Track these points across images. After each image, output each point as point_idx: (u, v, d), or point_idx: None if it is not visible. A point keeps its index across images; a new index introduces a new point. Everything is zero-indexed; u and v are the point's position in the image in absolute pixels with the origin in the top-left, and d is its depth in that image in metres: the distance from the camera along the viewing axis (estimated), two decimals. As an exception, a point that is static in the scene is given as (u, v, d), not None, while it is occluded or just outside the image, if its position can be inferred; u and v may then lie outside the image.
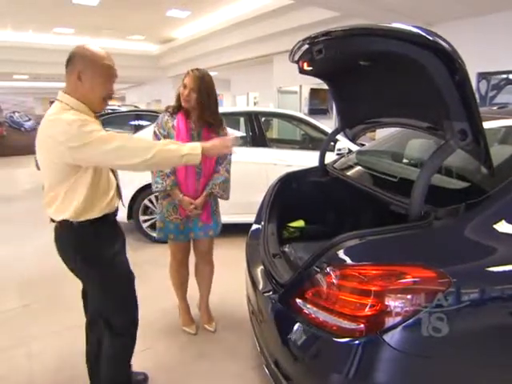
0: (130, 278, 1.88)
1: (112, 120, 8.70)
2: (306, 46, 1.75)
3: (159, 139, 2.35)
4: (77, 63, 1.61)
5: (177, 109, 2.40)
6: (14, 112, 14.31)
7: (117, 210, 1.84)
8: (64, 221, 1.67)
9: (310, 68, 1.95)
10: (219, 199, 2.56)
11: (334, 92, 2.36)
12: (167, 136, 2.36)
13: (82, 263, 1.72)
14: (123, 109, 11.88)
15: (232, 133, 1.79)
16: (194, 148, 1.69)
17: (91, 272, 1.75)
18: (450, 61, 1.25)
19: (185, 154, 1.66)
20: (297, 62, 1.96)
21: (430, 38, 1.23)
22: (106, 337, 1.86)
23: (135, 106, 13.58)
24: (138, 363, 2.18)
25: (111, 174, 1.81)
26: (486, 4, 5.84)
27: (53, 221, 1.73)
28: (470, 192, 1.64)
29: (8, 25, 11.42)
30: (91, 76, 1.61)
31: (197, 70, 2.32)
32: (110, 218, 1.78)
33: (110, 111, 10.42)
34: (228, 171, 2.49)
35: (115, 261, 1.78)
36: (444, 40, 1.23)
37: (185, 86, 2.30)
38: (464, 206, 1.41)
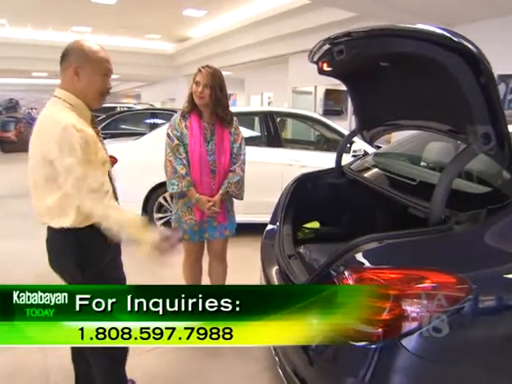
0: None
1: (127, 118, 8.78)
2: (327, 47, 1.75)
3: (173, 141, 2.37)
4: (73, 58, 1.58)
5: (189, 109, 2.41)
6: (31, 109, 14.53)
7: None
8: (63, 228, 1.57)
9: (330, 69, 1.94)
10: (233, 199, 2.56)
11: (353, 93, 2.34)
12: (180, 136, 2.38)
13: (75, 267, 1.60)
14: (138, 107, 11.95)
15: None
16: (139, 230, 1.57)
17: (80, 277, 1.60)
18: (476, 62, 1.23)
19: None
20: (316, 63, 1.96)
21: (456, 40, 1.22)
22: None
23: (150, 105, 13.67)
24: (148, 362, 2.21)
25: (107, 177, 1.67)
26: (506, 5, 5.73)
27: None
28: (491, 197, 1.61)
29: (28, 23, 11.62)
30: (89, 71, 1.58)
31: (207, 66, 2.34)
32: None
33: (125, 109, 10.53)
34: (243, 170, 2.49)
35: (107, 268, 1.66)
36: (469, 41, 1.22)
37: (197, 83, 2.31)
38: (486, 212, 1.38)
